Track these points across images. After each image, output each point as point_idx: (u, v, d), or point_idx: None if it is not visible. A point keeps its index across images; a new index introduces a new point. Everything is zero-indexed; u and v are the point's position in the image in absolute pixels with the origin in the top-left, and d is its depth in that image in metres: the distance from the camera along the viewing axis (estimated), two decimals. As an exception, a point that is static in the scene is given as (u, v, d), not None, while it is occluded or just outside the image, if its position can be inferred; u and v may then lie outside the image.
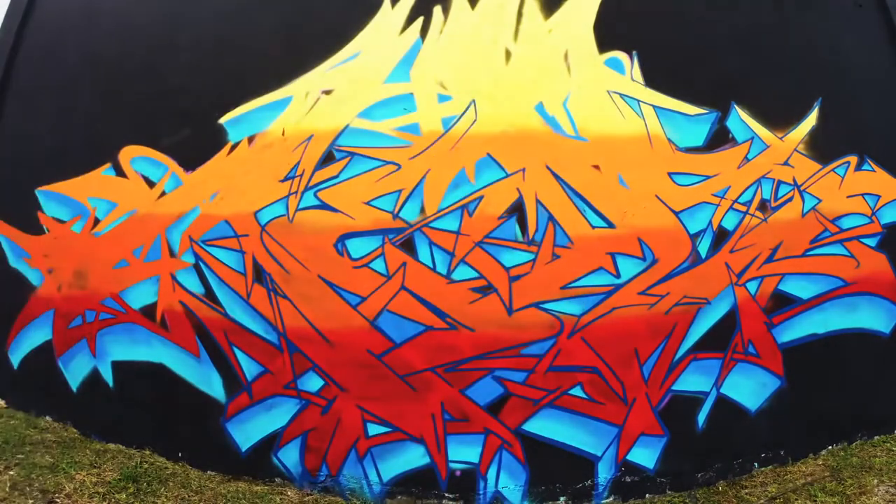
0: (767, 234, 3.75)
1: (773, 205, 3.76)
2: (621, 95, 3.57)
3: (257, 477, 3.73)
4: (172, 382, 3.83)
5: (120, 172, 3.90)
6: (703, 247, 3.65)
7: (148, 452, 3.91)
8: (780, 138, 3.78)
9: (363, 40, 3.60)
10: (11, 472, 3.59)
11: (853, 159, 3.93)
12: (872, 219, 3.99)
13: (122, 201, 3.89)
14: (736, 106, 3.69)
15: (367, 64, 3.58)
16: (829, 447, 4.01)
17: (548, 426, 3.60)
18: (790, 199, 3.79)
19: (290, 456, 3.71)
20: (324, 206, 3.55)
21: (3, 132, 4.34)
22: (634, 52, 3.58)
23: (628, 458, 3.68)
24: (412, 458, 3.63)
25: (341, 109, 3.57)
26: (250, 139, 3.66)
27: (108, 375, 4.01)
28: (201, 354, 3.77)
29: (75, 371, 4.10)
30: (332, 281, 3.56)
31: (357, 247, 3.54)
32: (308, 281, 3.58)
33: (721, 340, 3.74)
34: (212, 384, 3.77)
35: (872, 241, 4.00)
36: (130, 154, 3.87)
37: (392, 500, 3.66)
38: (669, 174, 3.60)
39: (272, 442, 3.72)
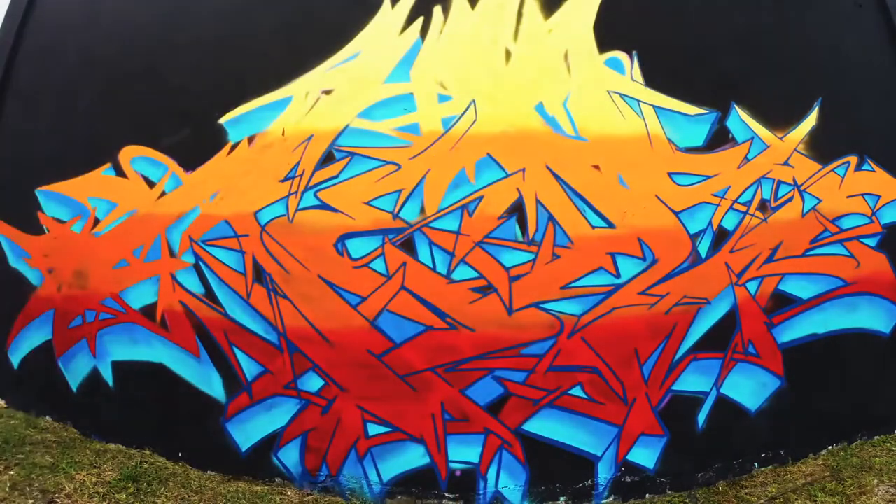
0: (767, 234, 3.75)
1: (773, 205, 3.76)
2: (621, 95, 3.57)
3: (257, 477, 3.74)
4: (172, 382, 3.83)
5: (120, 172, 3.90)
6: (703, 247, 3.66)
7: (148, 452, 3.91)
8: (780, 138, 3.78)
9: (363, 40, 3.60)
10: (11, 472, 3.59)
11: (853, 159, 3.93)
12: (872, 219, 3.99)
13: (122, 201, 3.89)
14: (736, 106, 3.69)
15: (367, 64, 3.58)
16: (829, 447, 4.01)
17: (548, 426, 3.60)
18: (790, 199, 3.79)
19: (290, 456, 3.71)
20: (324, 206, 3.55)
21: (3, 132, 4.33)
22: (634, 52, 3.58)
23: (628, 458, 3.68)
24: (412, 458, 3.63)
25: (341, 109, 3.57)
26: (250, 139, 3.66)
27: (108, 375, 4.01)
28: (201, 354, 3.77)
29: (75, 371, 4.10)
30: (332, 281, 3.56)
31: (357, 247, 3.54)
32: (308, 281, 3.58)
33: (721, 340, 3.74)
34: (212, 384, 3.77)
35: (872, 241, 4.00)
36: (130, 154, 3.87)
37: (392, 500, 3.66)
38: (669, 174, 3.60)
39: (272, 442, 3.72)
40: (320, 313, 3.60)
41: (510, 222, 3.50)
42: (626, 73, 3.58)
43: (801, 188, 3.81)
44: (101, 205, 3.94)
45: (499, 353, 3.55)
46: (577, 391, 3.59)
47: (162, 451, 3.90)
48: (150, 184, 3.83)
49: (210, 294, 3.72)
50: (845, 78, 3.96)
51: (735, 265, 3.71)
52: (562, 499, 3.66)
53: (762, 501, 3.57)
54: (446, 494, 3.63)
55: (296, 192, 3.57)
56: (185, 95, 3.80)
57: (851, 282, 3.95)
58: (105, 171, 3.92)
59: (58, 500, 3.42)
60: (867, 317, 4.03)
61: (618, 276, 3.55)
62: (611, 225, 3.54)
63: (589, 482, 3.66)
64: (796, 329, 3.87)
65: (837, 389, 4.00)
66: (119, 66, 3.96)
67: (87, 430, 4.10)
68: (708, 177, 3.65)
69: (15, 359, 4.32)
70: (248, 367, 3.71)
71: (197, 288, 3.74)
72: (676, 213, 3.60)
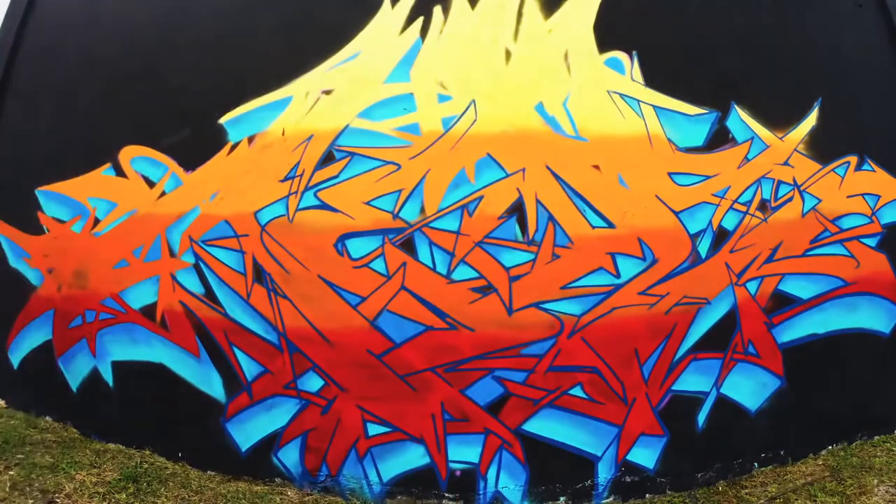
0: (767, 234, 3.75)
1: (773, 205, 3.76)
2: (621, 95, 3.57)
3: (257, 477, 3.74)
4: (172, 382, 3.83)
5: (120, 172, 3.90)
6: (703, 247, 3.65)
7: (148, 452, 3.90)
8: (780, 138, 3.78)
9: (363, 40, 3.60)
10: (11, 472, 3.59)
11: (853, 159, 3.93)
12: (872, 219, 3.99)
13: (122, 201, 3.89)
14: (736, 106, 3.69)
15: (367, 64, 3.58)
16: (829, 447, 4.01)
17: (548, 426, 3.60)
18: (790, 199, 3.79)
19: (290, 456, 3.71)
20: (324, 206, 3.55)
21: (3, 132, 4.33)
22: (634, 52, 3.58)
23: (628, 458, 3.68)
24: (412, 458, 3.63)
25: (341, 109, 3.57)
26: (250, 139, 3.66)
27: (108, 375, 4.01)
28: (201, 354, 3.77)
29: (75, 371, 4.10)
30: (332, 281, 3.56)
31: (357, 247, 3.54)
32: (308, 281, 3.58)
33: (721, 340, 3.74)
34: (212, 384, 3.77)
35: (872, 241, 4.00)
36: (130, 154, 3.87)
37: (392, 500, 3.66)
38: (669, 174, 3.60)
39: (272, 442, 3.72)
40: (320, 313, 3.60)
41: (510, 222, 3.50)
42: (626, 73, 3.58)
43: (801, 188, 3.81)
44: (101, 205, 3.94)
45: (499, 353, 3.54)
46: (577, 391, 3.59)
47: (162, 451, 3.90)
48: (150, 184, 3.83)
49: (210, 294, 3.72)
50: (845, 78, 3.96)
51: (735, 265, 3.71)
52: (562, 499, 3.66)
53: (762, 501, 3.57)
54: (446, 494, 3.63)
55: (296, 192, 3.57)
56: (185, 95, 3.80)
57: (851, 282, 3.95)
58: (105, 171, 3.92)
59: (58, 500, 3.42)
60: (867, 317, 4.03)
61: (618, 276, 3.55)
62: (611, 225, 3.54)
63: (589, 482, 3.66)
64: (796, 329, 3.87)
65: (837, 389, 4.00)
66: (119, 66, 3.96)
67: (87, 430, 4.10)
68: (708, 177, 3.65)
69: (15, 359, 4.32)
70: (248, 367, 3.71)
71: (197, 288, 3.74)
72: (676, 213, 3.60)
